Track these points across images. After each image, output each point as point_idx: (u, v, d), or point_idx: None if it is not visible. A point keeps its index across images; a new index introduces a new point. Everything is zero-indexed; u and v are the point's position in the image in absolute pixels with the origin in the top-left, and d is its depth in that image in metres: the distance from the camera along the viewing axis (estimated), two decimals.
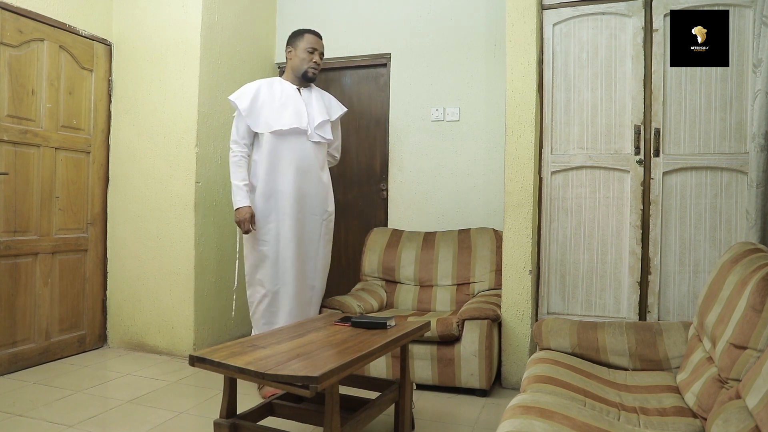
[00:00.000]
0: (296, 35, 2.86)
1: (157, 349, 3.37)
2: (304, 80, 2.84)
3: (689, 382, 1.65)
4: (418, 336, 2.22)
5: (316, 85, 2.98)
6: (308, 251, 2.81)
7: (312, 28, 2.91)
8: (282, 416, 2.04)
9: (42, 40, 3.07)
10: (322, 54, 2.87)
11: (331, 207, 2.93)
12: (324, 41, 3.87)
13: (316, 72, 2.85)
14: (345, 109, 3.00)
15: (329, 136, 2.87)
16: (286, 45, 2.89)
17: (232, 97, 2.76)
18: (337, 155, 3.09)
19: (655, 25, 2.64)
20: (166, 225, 3.35)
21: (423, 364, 2.72)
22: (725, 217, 2.57)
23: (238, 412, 1.88)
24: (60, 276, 3.22)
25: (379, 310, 3.19)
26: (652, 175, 2.66)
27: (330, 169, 3.95)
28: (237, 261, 2.86)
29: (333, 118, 2.89)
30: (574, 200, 2.81)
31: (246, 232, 2.72)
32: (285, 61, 3.96)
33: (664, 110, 2.65)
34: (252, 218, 2.71)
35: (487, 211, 3.46)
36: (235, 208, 2.72)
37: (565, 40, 2.81)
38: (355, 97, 3.91)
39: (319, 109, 2.84)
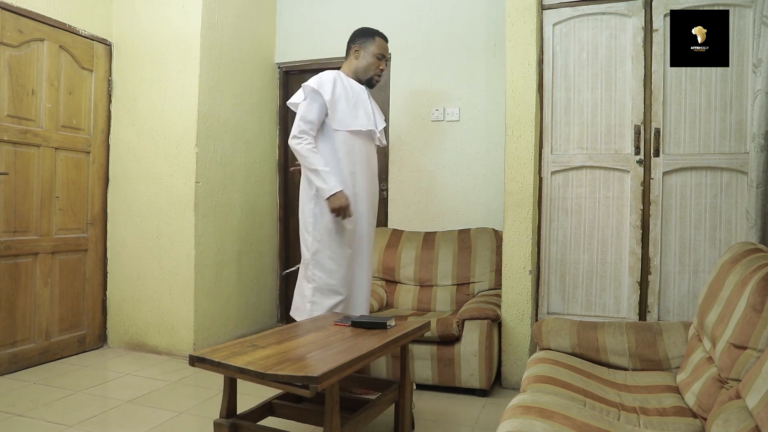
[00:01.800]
0: (366, 35, 2.71)
1: (157, 349, 3.37)
2: (366, 85, 2.73)
3: (689, 382, 1.65)
4: (418, 336, 2.21)
5: None
6: (370, 253, 2.74)
7: (380, 31, 2.75)
8: (282, 416, 2.04)
9: (42, 40, 3.07)
10: (387, 60, 2.76)
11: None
12: (324, 41, 3.92)
13: (380, 80, 2.78)
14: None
15: (385, 141, 2.82)
16: (353, 40, 2.72)
17: (313, 85, 2.54)
18: None
19: (655, 25, 2.64)
20: (166, 225, 3.35)
21: (423, 364, 2.72)
22: (725, 217, 2.57)
23: (238, 412, 1.87)
24: (60, 276, 3.22)
25: (379, 310, 3.18)
26: (652, 175, 2.66)
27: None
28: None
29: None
30: (574, 200, 2.81)
31: (348, 216, 2.54)
32: (288, 60, 4.02)
33: (664, 110, 2.64)
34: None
35: (487, 211, 3.46)
36: (331, 194, 2.47)
37: (565, 40, 2.81)
38: None
39: (379, 114, 2.77)
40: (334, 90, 2.56)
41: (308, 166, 2.52)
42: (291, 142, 2.55)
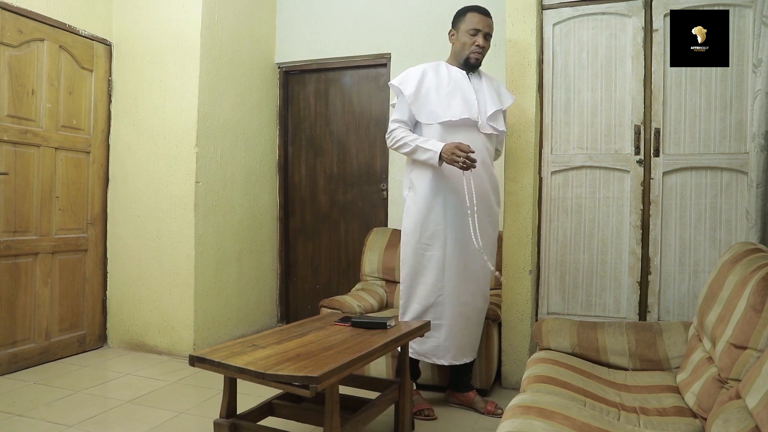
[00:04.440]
0: (458, 15, 2.48)
1: (157, 349, 3.37)
2: (467, 67, 2.47)
3: (689, 382, 1.65)
4: (418, 336, 2.21)
5: (483, 71, 2.57)
6: (483, 254, 2.40)
7: (477, 5, 2.48)
8: (282, 416, 2.04)
9: (42, 40, 3.07)
10: (487, 35, 2.44)
11: (501, 206, 2.58)
12: (324, 41, 3.92)
13: (480, 57, 2.45)
14: (514, 98, 2.59)
15: (502, 127, 2.49)
16: (452, 24, 2.53)
17: (394, 82, 2.44)
18: (501, 149, 2.68)
19: (655, 25, 2.64)
20: (166, 225, 3.35)
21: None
22: (725, 217, 2.57)
23: (238, 412, 1.88)
24: (60, 276, 3.22)
25: (379, 310, 3.18)
26: (652, 175, 2.66)
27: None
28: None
29: (505, 107, 2.51)
30: (574, 200, 2.81)
31: (472, 154, 2.23)
32: (288, 60, 4.02)
33: (664, 110, 2.64)
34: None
35: None
36: (440, 153, 2.26)
37: (565, 40, 2.81)
38: (355, 97, 3.91)
39: (491, 98, 2.46)
40: (422, 83, 2.40)
41: (407, 151, 2.38)
42: (388, 145, 2.48)
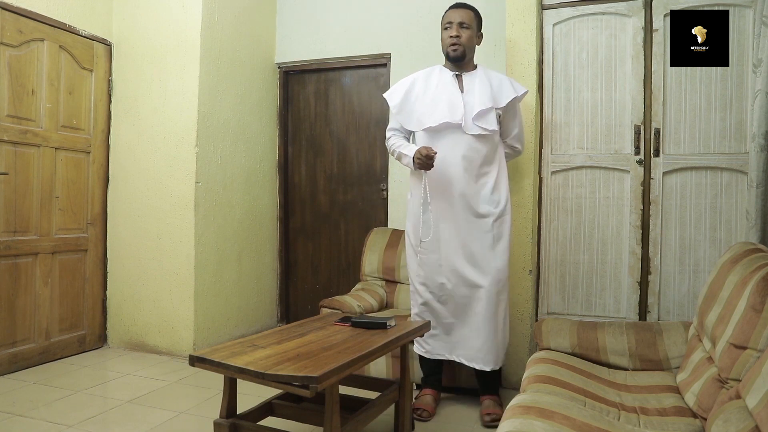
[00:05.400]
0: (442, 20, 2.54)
1: (157, 349, 3.37)
2: (452, 62, 2.49)
3: (689, 382, 1.66)
4: (418, 336, 2.22)
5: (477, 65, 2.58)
6: (476, 256, 2.40)
7: (454, 3, 2.56)
8: (282, 416, 2.04)
9: (42, 40, 3.07)
10: (462, 24, 2.42)
11: (501, 206, 2.43)
12: (324, 41, 3.92)
13: (457, 48, 2.42)
14: (524, 90, 2.48)
15: (492, 126, 2.38)
16: None
17: (385, 95, 2.58)
18: (519, 146, 2.60)
19: (655, 25, 2.64)
20: (166, 225, 3.35)
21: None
22: (725, 217, 2.57)
23: (238, 412, 1.88)
24: (60, 276, 3.22)
25: (379, 310, 3.18)
26: (652, 175, 2.66)
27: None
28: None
29: (500, 105, 2.41)
30: (574, 200, 2.81)
31: (433, 157, 2.29)
32: (288, 60, 4.02)
33: (664, 110, 2.65)
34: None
35: None
36: (413, 157, 2.35)
37: (565, 40, 2.81)
38: (355, 97, 3.91)
39: (482, 97, 2.39)
40: (410, 92, 2.50)
41: (395, 157, 2.53)
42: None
